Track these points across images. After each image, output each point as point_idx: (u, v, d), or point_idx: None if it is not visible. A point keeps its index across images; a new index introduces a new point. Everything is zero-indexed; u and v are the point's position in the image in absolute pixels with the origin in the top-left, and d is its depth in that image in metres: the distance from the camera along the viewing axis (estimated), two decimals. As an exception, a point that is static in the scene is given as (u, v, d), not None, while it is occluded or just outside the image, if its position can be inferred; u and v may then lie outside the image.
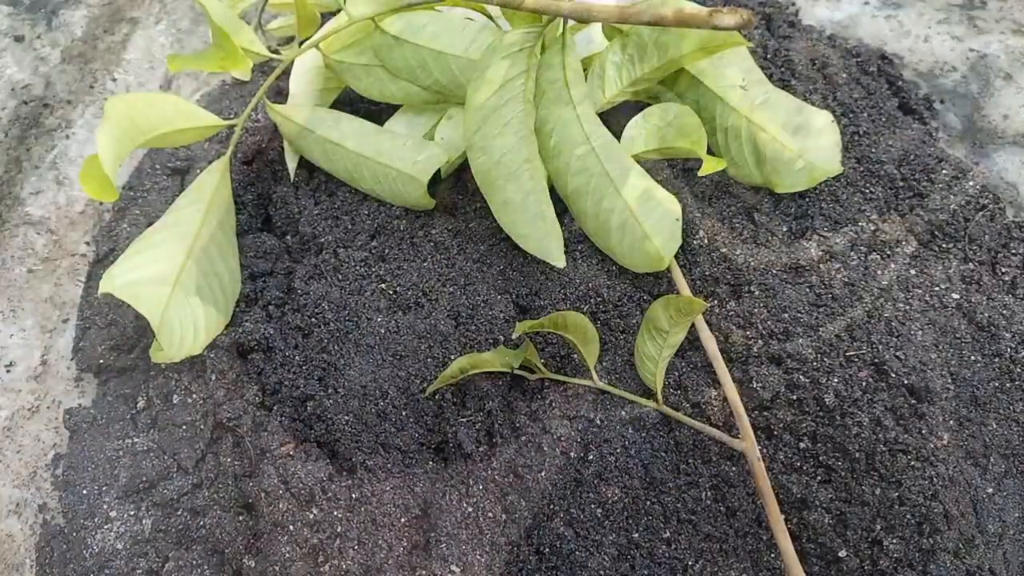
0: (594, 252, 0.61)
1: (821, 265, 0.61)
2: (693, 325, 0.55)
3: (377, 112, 0.74)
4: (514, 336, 0.54)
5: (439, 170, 0.66)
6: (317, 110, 0.67)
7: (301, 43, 0.72)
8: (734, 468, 0.54)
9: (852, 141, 0.69)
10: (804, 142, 0.61)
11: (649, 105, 0.62)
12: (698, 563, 0.52)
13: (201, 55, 0.57)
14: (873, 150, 0.68)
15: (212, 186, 0.62)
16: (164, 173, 0.70)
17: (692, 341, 0.58)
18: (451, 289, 0.61)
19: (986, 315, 0.60)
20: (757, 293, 0.59)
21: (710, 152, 0.63)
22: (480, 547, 0.53)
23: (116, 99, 0.53)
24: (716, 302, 0.59)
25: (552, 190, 0.61)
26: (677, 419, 0.54)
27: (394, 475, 0.54)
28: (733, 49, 0.60)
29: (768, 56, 0.75)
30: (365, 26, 0.64)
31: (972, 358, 0.60)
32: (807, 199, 0.65)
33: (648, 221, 0.57)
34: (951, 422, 0.56)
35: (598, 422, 0.55)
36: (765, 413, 0.56)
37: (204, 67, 0.55)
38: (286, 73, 0.75)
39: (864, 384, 0.56)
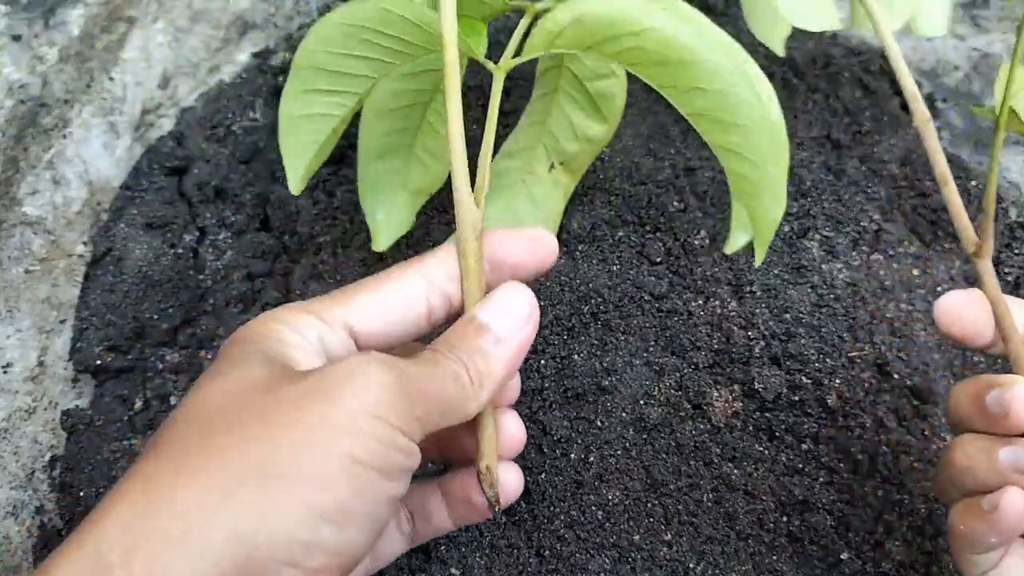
0: (594, 252, 0.61)
1: (823, 265, 0.61)
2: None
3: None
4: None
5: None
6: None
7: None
8: (736, 470, 0.54)
9: (854, 140, 0.69)
10: None
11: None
12: (699, 566, 0.52)
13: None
14: (875, 149, 0.68)
15: None
16: (162, 172, 0.70)
17: (694, 341, 0.57)
18: (450, 289, 0.60)
19: (989, 315, 0.59)
20: (759, 293, 0.59)
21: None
22: (480, 549, 0.52)
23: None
24: (718, 303, 0.59)
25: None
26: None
27: (393, 477, 0.54)
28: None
29: (769, 54, 0.74)
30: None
31: (975, 359, 0.59)
32: (808, 198, 0.64)
33: None
34: (954, 423, 0.55)
35: (599, 423, 0.55)
36: (767, 414, 0.55)
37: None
38: (284, 72, 0.75)
39: (867, 385, 0.55)
